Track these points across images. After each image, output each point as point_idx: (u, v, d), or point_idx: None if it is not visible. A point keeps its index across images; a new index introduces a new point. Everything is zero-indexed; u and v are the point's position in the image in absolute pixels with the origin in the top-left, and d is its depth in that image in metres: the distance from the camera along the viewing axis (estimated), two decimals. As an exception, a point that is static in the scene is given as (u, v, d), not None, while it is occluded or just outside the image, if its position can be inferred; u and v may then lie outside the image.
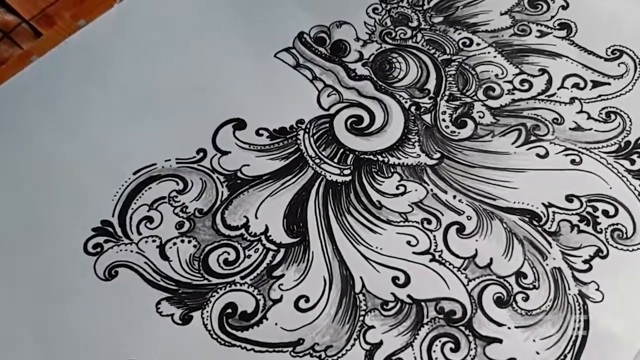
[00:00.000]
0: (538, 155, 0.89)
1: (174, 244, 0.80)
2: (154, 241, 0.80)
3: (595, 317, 0.77)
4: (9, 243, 0.80)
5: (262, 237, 0.81)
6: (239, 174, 0.86)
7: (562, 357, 0.74)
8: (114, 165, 0.86)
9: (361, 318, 0.76)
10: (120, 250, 0.79)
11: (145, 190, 0.84)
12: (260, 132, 0.90)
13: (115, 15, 1.02)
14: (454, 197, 0.85)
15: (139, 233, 0.80)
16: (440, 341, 0.75)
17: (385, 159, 0.88)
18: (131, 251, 0.79)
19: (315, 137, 0.90)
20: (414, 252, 0.80)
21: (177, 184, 0.84)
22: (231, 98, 0.93)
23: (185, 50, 0.98)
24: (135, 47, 0.99)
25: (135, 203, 0.83)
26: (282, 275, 0.78)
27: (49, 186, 0.84)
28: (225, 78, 0.95)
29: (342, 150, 0.89)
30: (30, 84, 0.94)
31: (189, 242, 0.80)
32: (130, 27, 1.01)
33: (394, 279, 0.78)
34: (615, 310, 0.77)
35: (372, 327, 0.75)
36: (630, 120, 0.92)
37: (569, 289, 0.79)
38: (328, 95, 0.94)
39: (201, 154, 0.87)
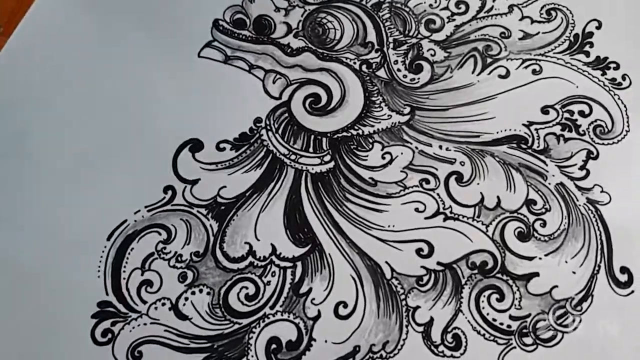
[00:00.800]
0: (500, 76, 0.88)
1: (186, 299, 0.73)
2: (163, 304, 0.72)
3: (611, 218, 0.79)
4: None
5: (273, 257, 0.75)
6: (218, 199, 0.78)
7: (596, 269, 0.76)
8: (82, 238, 0.75)
9: (403, 302, 0.73)
10: (133, 328, 0.71)
11: (129, 253, 0.75)
12: (221, 146, 0.81)
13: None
14: (440, 147, 0.82)
15: (144, 301, 0.72)
16: (484, 296, 0.74)
17: (359, 131, 0.83)
18: (144, 324, 0.71)
19: (279, 132, 0.83)
20: (425, 218, 0.78)
21: (159, 233, 0.76)
22: (172, 120, 0.83)
23: (96, 85, 0.86)
24: (39, 105, 0.84)
25: (124, 271, 0.74)
26: (310, 290, 0.74)
27: (24, 291, 0.73)
28: (155, 100, 0.84)
29: (312, 136, 0.83)
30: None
31: (201, 291, 0.73)
32: (23, 79, 0.87)
33: (418, 252, 0.76)
34: (626, 204, 0.80)
35: (418, 307, 0.73)
36: (570, 13, 0.92)
37: (577, 200, 0.80)
38: (274, 82, 0.86)
39: (169, 192, 0.78)
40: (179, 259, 0.75)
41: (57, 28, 0.89)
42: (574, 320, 0.73)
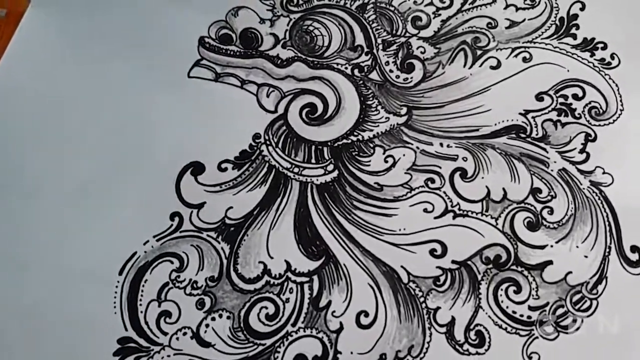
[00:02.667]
0: (492, 67, 0.88)
1: (207, 325, 0.72)
2: (184, 334, 0.72)
3: (616, 198, 0.80)
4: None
5: (288, 273, 0.75)
6: (226, 220, 0.78)
7: (607, 251, 0.77)
8: (93, 275, 0.74)
9: (423, 305, 0.74)
10: (157, 361, 0.71)
11: (143, 285, 0.74)
12: (223, 166, 0.81)
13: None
14: (441, 144, 0.83)
15: (164, 333, 0.72)
16: (502, 289, 0.75)
17: (359, 137, 0.83)
18: (168, 356, 0.71)
19: (279, 145, 0.82)
20: (435, 217, 0.78)
21: (172, 262, 0.75)
22: (170, 144, 0.82)
23: (88, 117, 0.84)
24: (32, 141, 0.83)
25: (140, 304, 0.73)
26: (330, 303, 0.74)
27: (38, 335, 0.72)
28: (149, 126, 0.83)
29: (313, 147, 0.83)
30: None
31: (220, 316, 0.73)
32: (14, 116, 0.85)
33: (432, 252, 0.76)
34: (629, 183, 0.81)
35: (438, 308, 0.74)
36: (553, -4, 0.93)
37: (581, 183, 0.81)
38: (267, 95, 0.86)
39: (176, 219, 0.78)
40: (195, 285, 0.74)
41: (42, 60, 0.87)
42: (591, 305, 0.74)
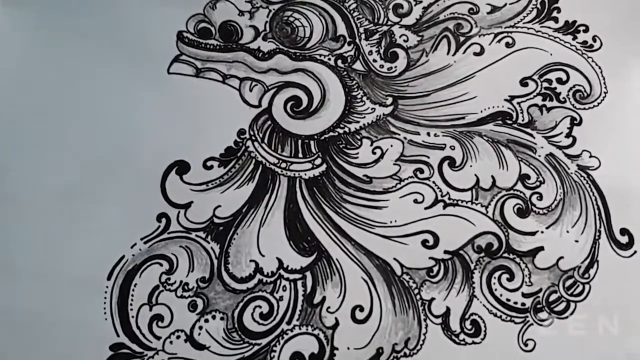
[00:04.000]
0: (475, 53, 0.87)
1: (200, 327, 0.71)
2: (178, 337, 0.70)
3: (604, 181, 0.80)
4: None
5: (281, 271, 0.74)
6: (215, 220, 0.76)
7: (597, 234, 0.78)
8: (80, 281, 0.72)
9: (418, 297, 0.73)
10: (152, 366, 0.70)
11: (133, 289, 0.72)
12: (208, 164, 0.79)
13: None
14: (428, 134, 0.82)
15: (157, 337, 0.70)
16: (495, 277, 0.75)
17: (346, 129, 0.82)
18: (163, 360, 0.70)
19: (265, 140, 0.81)
20: (425, 208, 0.78)
21: (161, 265, 0.74)
22: (153, 144, 0.80)
23: (69, 119, 0.81)
24: (12, 145, 0.80)
25: (131, 309, 0.71)
26: (324, 299, 0.73)
27: (29, 343, 0.70)
28: (131, 125, 0.81)
29: (299, 141, 0.81)
30: None
31: (214, 317, 0.71)
32: None
33: (424, 243, 0.76)
34: (616, 166, 0.81)
35: (432, 299, 0.73)
36: (533, -21, 0.92)
37: (569, 168, 0.81)
38: (250, 89, 0.84)
39: (163, 220, 0.76)
40: (186, 287, 0.73)
41: (15, 62, 0.84)
42: (583, 289, 0.74)
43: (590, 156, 0.82)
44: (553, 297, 0.74)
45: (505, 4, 0.91)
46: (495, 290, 0.74)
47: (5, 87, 0.82)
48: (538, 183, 0.80)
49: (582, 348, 0.72)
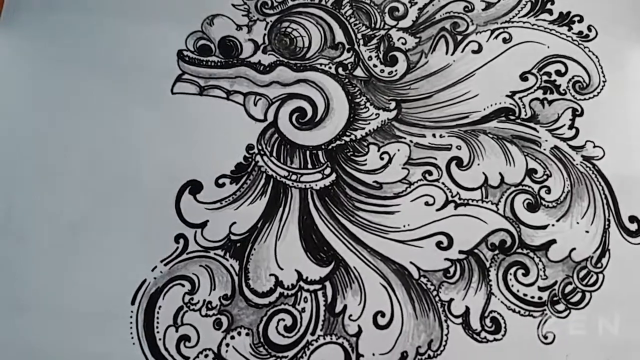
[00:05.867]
0: (474, 51, 0.88)
1: (227, 345, 0.72)
2: (206, 356, 0.72)
3: (609, 170, 0.82)
4: None
5: (301, 283, 0.75)
6: (232, 237, 0.77)
7: (607, 224, 0.79)
8: (105, 308, 0.73)
9: (437, 298, 0.75)
10: (183, 387, 0.71)
11: (158, 312, 0.73)
12: (220, 181, 0.80)
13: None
14: (434, 135, 0.83)
15: (186, 357, 0.72)
16: (511, 274, 0.76)
17: (352, 136, 0.83)
18: (193, 380, 0.71)
19: (274, 154, 0.82)
20: (437, 210, 0.79)
21: (183, 285, 0.75)
22: (164, 166, 0.80)
23: (76, 147, 0.81)
24: (19, 180, 0.79)
25: (158, 331, 0.72)
26: (345, 307, 0.74)
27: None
28: (140, 149, 0.81)
29: (307, 152, 0.82)
30: None
31: (239, 333, 0.73)
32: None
33: (439, 245, 0.77)
34: (620, 154, 0.83)
35: (451, 299, 0.75)
36: (526, -27, 0.93)
37: (574, 159, 0.82)
38: (255, 104, 0.84)
39: (181, 241, 0.77)
40: (209, 306, 0.74)
41: (18, 92, 0.83)
42: (597, 279, 0.76)
43: (594, 146, 0.83)
44: (568, 288, 0.76)
45: (499, 0, 0.91)
46: (512, 286, 0.76)
47: (6, 117, 0.82)
48: (545, 177, 0.81)
49: (599, 337, 0.74)
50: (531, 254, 0.77)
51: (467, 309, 0.74)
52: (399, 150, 0.82)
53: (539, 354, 0.73)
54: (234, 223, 0.78)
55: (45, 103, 0.83)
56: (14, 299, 0.74)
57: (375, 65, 0.87)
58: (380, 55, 0.88)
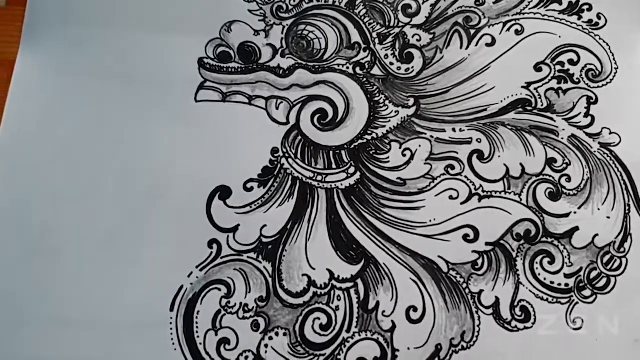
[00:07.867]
0: (488, 44, 0.90)
1: (266, 345, 0.74)
2: (247, 357, 0.74)
3: (626, 156, 0.84)
4: None
5: (333, 281, 0.77)
6: (263, 239, 0.79)
7: (627, 209, 0.81)
8: (144, 318, 0.75)
9: (467, 291, 0.77)
10: (227, 389, 0.73)
11: (197, 317, 0.75)
12: (248, 186, 0.81)
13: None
14: (454, 130, 0.85)
15: (226, 360, 0.74)
16: (537, 262, 0.78)
17: (373, 135, 0.85)
18: (236, 382, 0.73)
19: (299, 156, 0.83)
20: (461, 203, 0.81)
21: (219, 289, 0.77)
22: (192, 173, 0.82)
23: (103, 160, 0.82)
24: (50, 197, 0.80)
25: (198, 336, 0.74)
26: (378, 304, 0.76)
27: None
28: (167, 157, 0.82)
29: (331, 152, 0.84)
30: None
31: (277, 334, 0.75)
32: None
33: (465, 238, 0.79)
34: (636, 139, 0.85)
35: (481, 291, 0.77)
36: (534, -37, 0.94)
37: (591, 147, 0.84)
38: (277, 108, 0.86)
39: (215, 246, 0.78)
40: (246, 308, 0.76)
41: (41, 112, 0.84)
42: (621, 263, 0.78)
43: (610, 133, 0.85)
44: (594, 274, 0.78)
45: (510, -8, 0.93)
46: (539, 274, 0.78)
47: (34, 135, 0.83)
48: (565, 165, 0.83)
49: (626, 320, 0.76)
50: (556, 242, 0.79)
51: (497, 299, 0.77)
52: (420, 146, 0.84)
53: (569, 340, 0.75)
54: (265, 226, 0.80)
55: (72, 117, 0.84)
56: (55, 315, 0.75)
57: (392, 63, 0.89)
58: (396, 53, 0.89)
